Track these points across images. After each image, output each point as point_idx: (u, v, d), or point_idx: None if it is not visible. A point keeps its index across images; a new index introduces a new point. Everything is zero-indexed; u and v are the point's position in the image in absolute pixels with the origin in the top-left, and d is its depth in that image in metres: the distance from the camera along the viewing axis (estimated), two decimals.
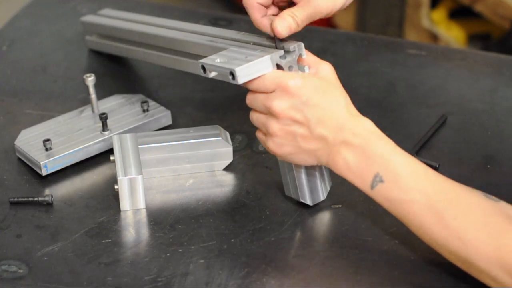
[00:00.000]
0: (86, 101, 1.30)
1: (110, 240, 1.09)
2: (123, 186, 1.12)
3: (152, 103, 1.29)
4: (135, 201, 1.14)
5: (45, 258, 1.06)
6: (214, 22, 1.55)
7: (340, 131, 1.02)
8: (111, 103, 1.30)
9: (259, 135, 1.08)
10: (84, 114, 1.28)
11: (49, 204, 1.15)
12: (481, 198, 0.99)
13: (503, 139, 1.26)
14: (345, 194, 1.16)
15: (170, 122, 1.29)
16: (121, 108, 1.29)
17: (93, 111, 1.28)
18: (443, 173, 1.19)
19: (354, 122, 1.03)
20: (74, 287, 1.03)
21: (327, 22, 2.74)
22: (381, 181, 1.00)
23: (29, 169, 1.21)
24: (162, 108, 1.29)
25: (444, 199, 0.98)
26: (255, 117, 1.07)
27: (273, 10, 1.10)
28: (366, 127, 1.03)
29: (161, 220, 1.12)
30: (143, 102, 1.28)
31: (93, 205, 1.15)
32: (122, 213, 1.14)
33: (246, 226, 1.11)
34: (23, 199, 1.15)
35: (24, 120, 1.31)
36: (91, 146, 1.22)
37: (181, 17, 1.56)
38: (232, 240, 1.09)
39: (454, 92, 1.37)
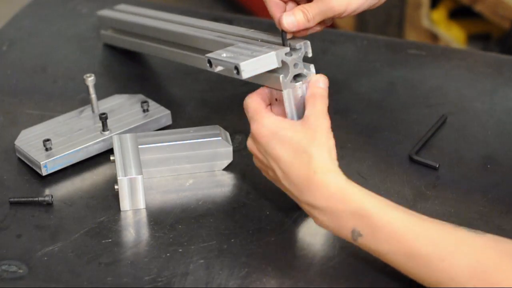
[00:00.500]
0: (86, 101, 1.30)
1: (110, 240, 1.09)
2: (123, 186, 1.12)
3: (152, 103, 1.29)
4: (135, 201, 1.14)
5: (45, 258, 1.06)
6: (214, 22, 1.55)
7: (302, 193, 1.00)
8: (111, 103, 1.30)
9: None
10: (84, 114, 1.28)
11: (49, 204, 1.15)
12: (467, 234, 0.95)
13: (503, 139, 1.26)
14: None
15: (170, 122, 1.29)
16: (121, 108, 1.29)
17: (93, 111, 1.28)
18: (443, 173, 1.20)
19: (315, 184, 0.98)
20: (74, 287, 1.03)
21: None
22: (360, 235, 0.97)
23: (29, 169, 1.21)
24: (162, 108, 1.29)
25: (427, 243, 0.94)
26: None
27: (291, 5, 1.09)
28: (329, 188, 0.98)
29: (161, 220, 1.12)
30: (143, 102, 1.28)
31: (93, 205, 1.15)
32: (122, 213, 1.14)
33: (246, 226, 1.11)
34: (23, 199, 1.15)
35: (24, 120, 1.31)
36: (91, 146, 1.22)
37: None
38: (232, 240, 1.09)
39: (454, 92, 1.37)
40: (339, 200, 0.98)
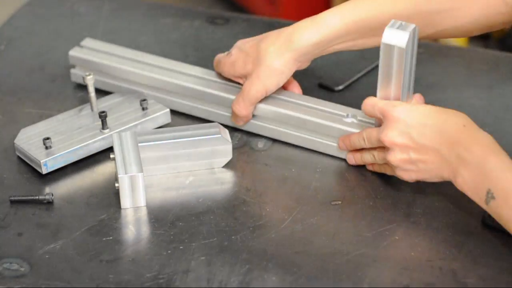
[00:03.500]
0: (85, 99, 1.30)
1: (111, 237, 1.09)
2: (123, 184, 1.13)
3: (151, 101, 1.29)
4: (135, 198, 1.14)
5: (47, 256, 1.07)
6: (212, 20, 1.55)
7: (453, 146, 1.03)
8: (110, 102, 1.30)
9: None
10: (83, 113, 1.28)
11: (49, 203, 1.15)
12: None
13: (501, 136, 1.26)
14: (345, 190, 1.17)
15: (169, 120, 1.29)
16: (120, 106, 1.29)
17: (92, 110, 1.28)
18: None
19: (469, 137, 1.03)
20: (75, 285, 1.03)
21: None
22: (493, 197, 0.99)
23: (29, 168, 1.21)
24: (161, 106, 1.29)
25: None
26: (370, 156, 1.15)
27: None
28: (482, 142, 1.02)
29: (162, 217, 1.13)
30: (142, 100, 1.28)
31: (94, 203, 1.15)
32: (122, 211, 1.14)
33: (247, 223, 1.11)
34: (23, 198, 1.15)
35: (23, 119, 1.31)
36: (91, 144, 1.22)
37: (178, 16, 1.57)
38: (233, 237, 1.09)
39: (451, 89, 1.38)
40: (488, 155, 1.01)
